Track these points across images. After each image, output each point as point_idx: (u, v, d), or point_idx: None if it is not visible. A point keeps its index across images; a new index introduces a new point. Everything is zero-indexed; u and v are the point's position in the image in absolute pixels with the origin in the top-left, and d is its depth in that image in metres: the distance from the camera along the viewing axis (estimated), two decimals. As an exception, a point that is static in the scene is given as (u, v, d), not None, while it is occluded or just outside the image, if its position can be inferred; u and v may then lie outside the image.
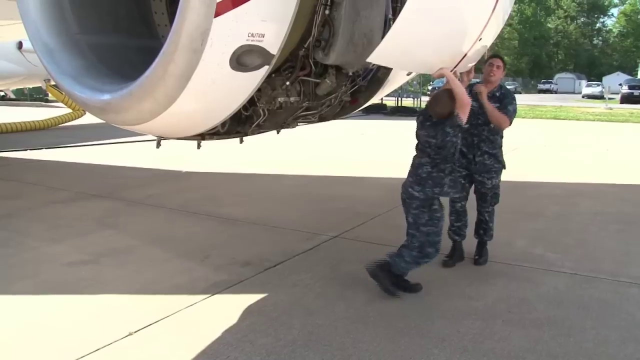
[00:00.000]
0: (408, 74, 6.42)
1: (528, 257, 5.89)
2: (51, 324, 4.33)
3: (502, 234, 6.63)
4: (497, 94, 5.37)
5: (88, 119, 18.10)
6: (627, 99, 42.03)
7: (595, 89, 54.78)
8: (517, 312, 4.54)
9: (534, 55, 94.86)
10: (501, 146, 5.60)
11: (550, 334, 4.17)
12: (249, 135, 5.13)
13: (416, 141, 4.85)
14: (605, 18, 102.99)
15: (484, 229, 5.68)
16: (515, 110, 5.43)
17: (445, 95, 4.64)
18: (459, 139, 4.65)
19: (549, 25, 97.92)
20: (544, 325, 4.31)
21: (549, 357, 3.84)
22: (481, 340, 4.06)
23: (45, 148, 13.92)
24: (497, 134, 5.49)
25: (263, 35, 3.58)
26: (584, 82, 67.72)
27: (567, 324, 4.34)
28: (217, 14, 3.31)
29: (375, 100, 6.61)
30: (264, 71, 3.81)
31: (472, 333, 4.16)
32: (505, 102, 5.34)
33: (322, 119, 5.73)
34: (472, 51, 4.85)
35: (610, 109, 32.42)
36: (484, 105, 5.27)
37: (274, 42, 3.68)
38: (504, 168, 5.64)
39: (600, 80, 67.90)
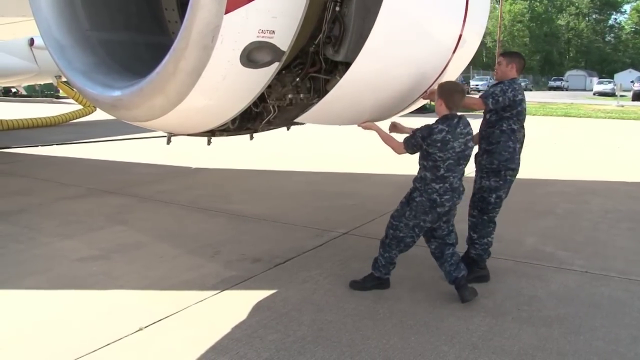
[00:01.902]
0: None
1: (538, 254, 5.87)
2: (62, 319, 4.37)
3: (512, 232, 6.62)
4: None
5: (99, 115, 18.19)
6: (639, 97, 41.65)
7: (606, 87, 54.39)
8: (527, 310, 4.53)
9: (545, 52, 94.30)
10: (500, 141, 4.94)
11: (560, 331, 4.15)
12: (259, 131, 5.15)
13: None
14: (618, 15, 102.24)
15: (469, 239, 5.24)
16: (495, 93, 4.86)
17: (455, 84, 4.72)
18: None
19: (560, 22, 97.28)
20: (554, 323, 4.30)
21: (558, 355, 3.83)
22: (490, 337, 4.06)
23: (56, 144, 14.00)
24: (493, 126, 4.96)
25: (273, 32, 3.59)
26: (595, 80, 67.21)
27: (577, 321, 4.33)
28: (227, 11, 3.31)
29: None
30: (274, 68, 3.82)
31: (482, 330, 4.16)
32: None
33: (332, 115, 5.72)
34: None
35: (622, 106, 32.16)
36: None
37: (284, 38, 3.69)
38: (502, 170, 4.96)
39: (612, 78, 67.40)
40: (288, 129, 5.69)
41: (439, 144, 4.39)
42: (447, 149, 4.41)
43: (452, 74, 5.19)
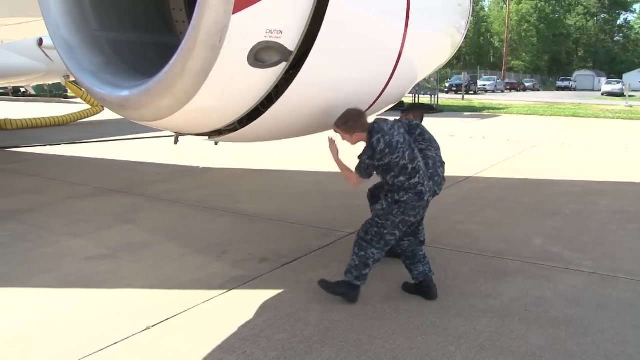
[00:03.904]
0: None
1: (545, 255, 5.84)
2: (70, 317, 4.39)
3: (519, 232, 6.61)
4: None
5: (107, 114, 18.27)
6: (647, 97, 41.42)
7: (615, 87, 54.05)
8: (534, 311, 4.51)
9: (553, 53, 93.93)
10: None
11: (568, 333, 4.14)
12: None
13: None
14: (627, 14, 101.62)
15: None
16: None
17: (357, 111, 4.59)
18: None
19: (568, 22, 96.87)
20: (562, 324, 4.28)
21: (566, 356, 3.81)
22: (498, 338, 4.05)
23: (65, 143, 14.07)
24: None
25: (281, 32, 3.59)
26: (603, 80, 66.82)
27: (585, 323, 4.31)
28: (235, 11, 3.32)
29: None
30: (281, 67, 3.82)
31: (489, 331, 4.15)
32: None
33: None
34: None
35: (631, 106, 32.00)
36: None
37: (292, 38, 3.69)
38: None
39: (621, 78, 67.03)
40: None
41: (387, 150, 4.36)
42: (398, 148, 4.39)
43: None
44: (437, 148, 5.27)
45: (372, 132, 4.44)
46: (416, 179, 4.45)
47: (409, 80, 5.57)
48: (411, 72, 5.36)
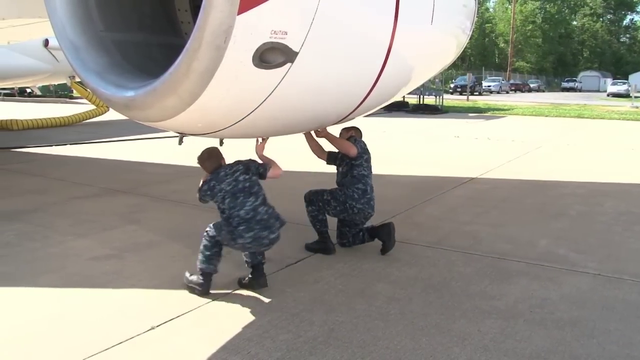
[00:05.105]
0: None
1: (550, 256, 5.83)
2: (75, 317, 4.40)
3: (524, 233, 6.59)
4: None
5: (112, 115, 18.31)
6: (653, 98, 41.18)
7: (621, 87, 53.93)
8: (539, 312, 4.50)
9: (558, 54, 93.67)
10: (351, 184, 5.87)
11: (573, 334, 4.13)
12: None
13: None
14: (633, 15, 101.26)
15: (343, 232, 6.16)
16: (358, 142, 5.97)
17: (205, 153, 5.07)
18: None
19: (574, 23, 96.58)
20: (567, 325, 4.27)
21: (571, 358, 3.81)
22: (502, 339, 4.04)
23: (70, 144, 14.12)
24: (346, 175, 5.96)
25: (286, 33, 3.59)
26: (609, 81, 66.59)
27: (590, 325, 4.30)
28: (240, 11, 3.32)
29: (397, 97, 6.62)
30: (286, 68, 3.82)
31: (493, 332, 4.14)
32: None
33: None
34: None
35: (637, 107, 31.89)
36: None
37: (296, 39, 3.69)
38: (347, 203, 5.90)
39: (627, 79, 66.77)
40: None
41: (209, 192, 4.84)
42: (217, 195, 4.78)
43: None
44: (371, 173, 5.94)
45: (212, 173, 4.92)
46: (233, 224, 4.70)
47: (402, 79, 5.53)
48: (404, 71, 5.32)
